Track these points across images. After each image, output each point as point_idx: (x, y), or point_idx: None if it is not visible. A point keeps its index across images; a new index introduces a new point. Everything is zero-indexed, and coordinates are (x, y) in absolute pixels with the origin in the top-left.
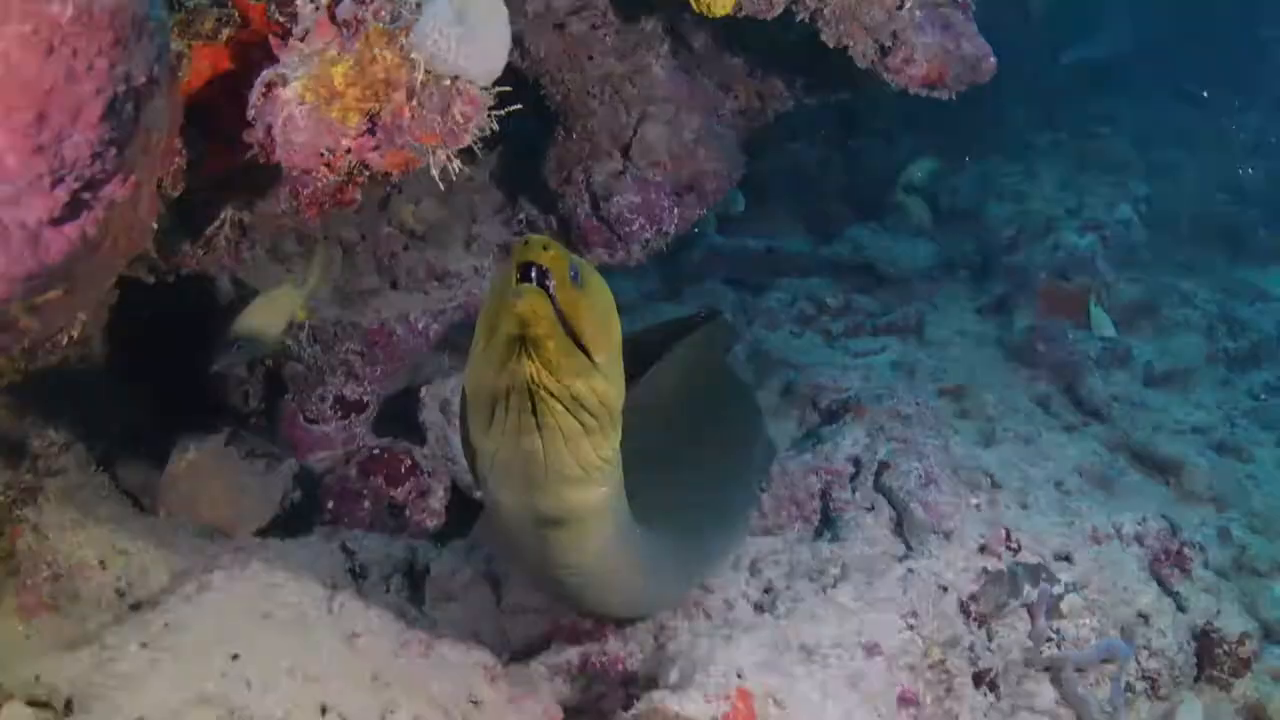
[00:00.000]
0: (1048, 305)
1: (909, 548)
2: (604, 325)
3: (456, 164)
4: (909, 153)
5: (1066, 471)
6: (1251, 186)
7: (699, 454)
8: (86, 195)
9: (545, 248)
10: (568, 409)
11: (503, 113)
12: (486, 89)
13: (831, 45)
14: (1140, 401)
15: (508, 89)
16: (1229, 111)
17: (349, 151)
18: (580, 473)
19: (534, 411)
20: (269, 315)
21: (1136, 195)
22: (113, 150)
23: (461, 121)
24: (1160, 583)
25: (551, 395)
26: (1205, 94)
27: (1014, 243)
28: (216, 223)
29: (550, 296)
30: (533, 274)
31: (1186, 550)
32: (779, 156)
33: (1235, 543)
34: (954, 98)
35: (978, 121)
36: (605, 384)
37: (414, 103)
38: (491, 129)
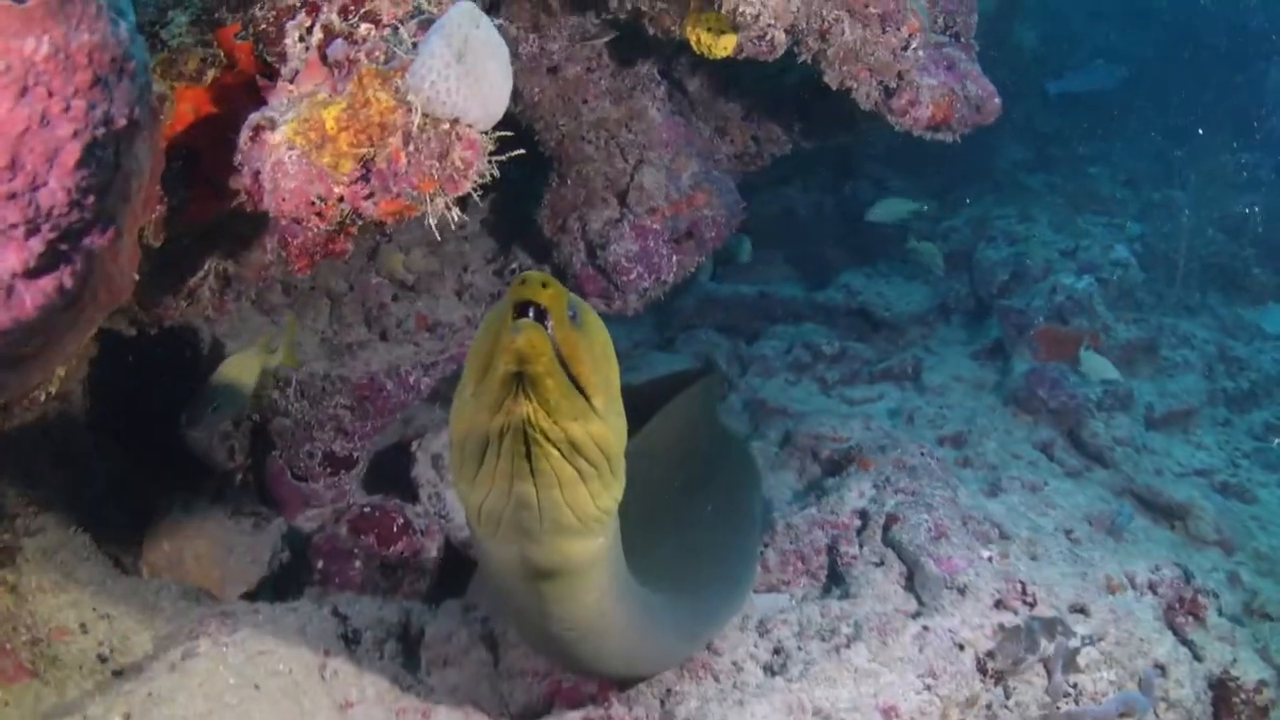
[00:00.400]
0: (1046, 349)
1: (921, 604)
2: (602, 368)
3: (456, 213)
4: (900, 194)
5: (1075, 520)
6: (1246, 224)
7: (697, 511)
8: (64, 246)
9: (544, 285)
10: (564, 455)
11: (504, 158)
12: (487, 133)
13: (835, 87)
14: (1143, 445)
15: (509, 134)
16: (1226, 149)
17: (341, 199)
18: (576, 523)
19: (528, 456)
20: (239, 378)
21: (1131, 235)
22: (91, 198)
23: (461, 167)
24: (1175, 632)
25: (548, 439)
26: (1200, 131)
27: (1009, 286)
28: (200, 273)
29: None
30: (530, 312)
31: (1200, 597)
32: (771, 201)
33: (1245, 587)
34: (958, 140)
35: (969, 163)
36: (603, 429)
37: (410, 148)
38: (492, 175)
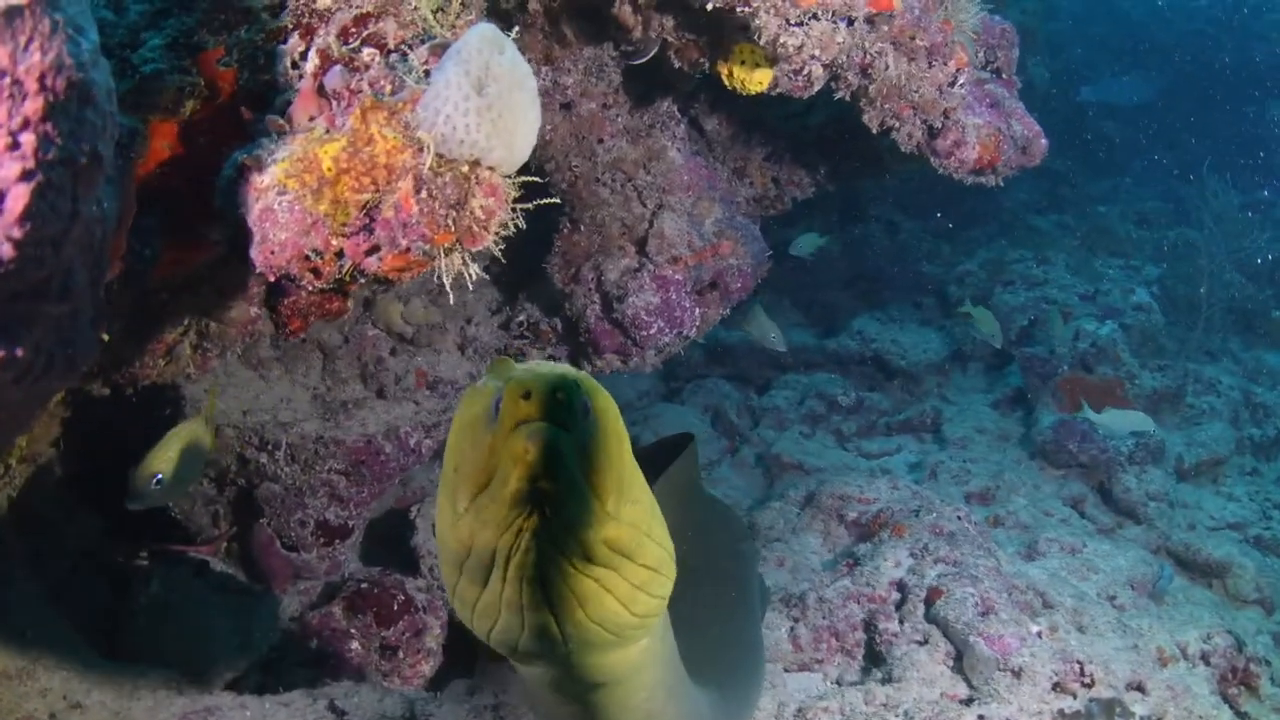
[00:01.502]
0: (1071, 398)
1: (973, 688)
2: (617, 462)
3: (474, 268)
4: (911, 236)
5: (1118, 584)
6: (1263, 265)
7: (704, 596)
8: (13, 309)
9: (555, 391)
10: (578, 569)
11: (530, 206)
12: (511, 177)
13: (875, 129)
14: (1175, 498)
15: (535, 179)
16: (1237, 187)
17: (341, 253)
18: (612, 637)
19: (543, 582)
20: (181, 450)
21: (1149, 278)
22: (45, 250)
23: (482, 217)
24: (1229, 704)
25: (561, 555)
26: (1209, 168)
27: (1029, 332)
28: (179, 329)
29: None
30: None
31: (1252, 666)
32: (777, 245)
33: None
34: (1000, 184)
35: (978, 204)
36: (618, 531)
37: (422, 194)
38: (517, 226)
